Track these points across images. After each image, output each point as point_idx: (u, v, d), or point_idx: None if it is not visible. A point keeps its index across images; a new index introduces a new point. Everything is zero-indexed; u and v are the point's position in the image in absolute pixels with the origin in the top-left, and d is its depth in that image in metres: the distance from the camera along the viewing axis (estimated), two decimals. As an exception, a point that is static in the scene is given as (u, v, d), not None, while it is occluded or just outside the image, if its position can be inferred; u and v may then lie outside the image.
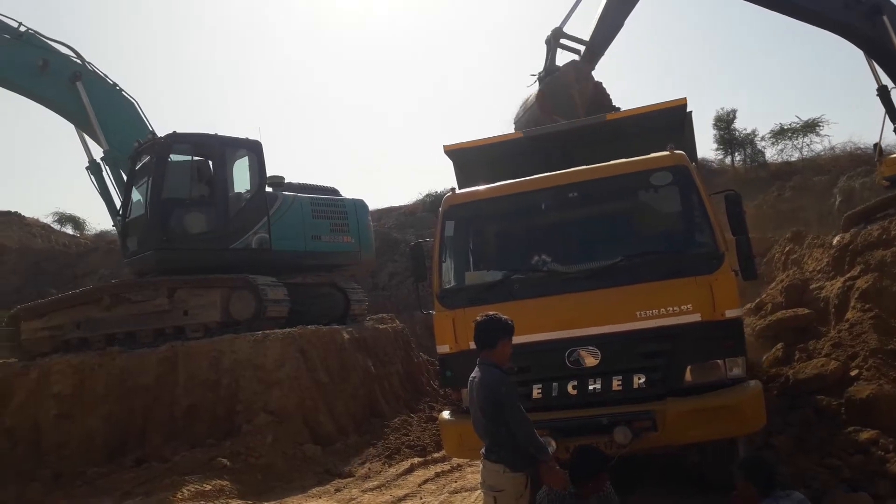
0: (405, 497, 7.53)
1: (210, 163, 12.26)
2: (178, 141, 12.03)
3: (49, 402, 10.08)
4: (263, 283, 11.11)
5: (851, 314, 8.91)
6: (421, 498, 7.41)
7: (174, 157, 11.95)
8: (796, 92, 69.56)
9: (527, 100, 10.10)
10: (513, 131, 9.22)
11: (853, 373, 7.71)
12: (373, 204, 14.35)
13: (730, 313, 5.50)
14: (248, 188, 12.50)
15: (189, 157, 12.14)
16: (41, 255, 26.89)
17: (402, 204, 32.93)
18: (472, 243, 6.93)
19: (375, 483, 8.22)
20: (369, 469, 8.89)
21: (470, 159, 8.04)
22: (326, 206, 13.56)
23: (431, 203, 29.09)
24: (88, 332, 11.65)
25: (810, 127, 29.54)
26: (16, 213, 31.05)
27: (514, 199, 6.40)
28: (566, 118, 8.58)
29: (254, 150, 12.55)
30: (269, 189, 12.76)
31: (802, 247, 12.89)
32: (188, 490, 7.73)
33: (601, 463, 4.60)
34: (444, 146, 7.96)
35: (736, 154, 32.03)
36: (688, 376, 5.46)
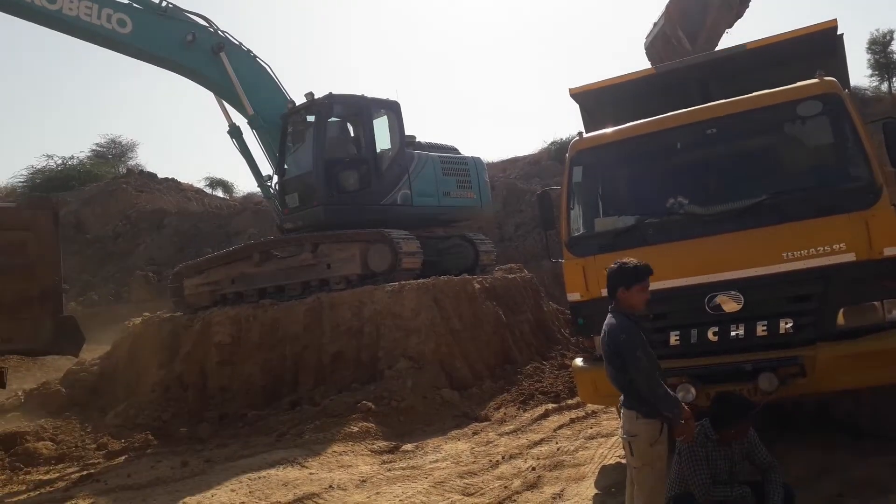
0: (541, 441, 7.68)
1: (357, 124, 13.00)
2: (336, 102, 12.79)
3: (211, 350, 11.16)
4: (398, 237, 11.55)
5: None
6: (557, 443, 7.53)
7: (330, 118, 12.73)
8: (974, -1, 60.69)
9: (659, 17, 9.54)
10: (645, 60, 8.79)
11: None
12: (497, 155, 14.56)
13: (889, 251, 5.08)
14: (390, 147, 13.14)
15: (341, 118, 13.00)
16: (197, 217, 29.31)
17: (526, 154, 32.63)
18: (602, 189, 6.79)
19: (511, 427, 8.44)
20: (504, 413, 9.13)
21: (597, 101, 7.80)
22: (452, 163, 14.09)
23: (557, 151, 28.57)
24: (243, 287, 12.71)
25: None
26: (173, 179, 33.97)
27: (647, 140, 6.18)
28: (692, 29, 8.02)
29: (393, 110, 13.13)
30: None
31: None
32: (336, 431, 8.33)
33: (743, 410, 4.48)
34: (569, 89, 7.77)
35: (893, 79, 28.80)
36: (840, 319, 5.15)
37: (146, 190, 31.56)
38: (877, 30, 34.18)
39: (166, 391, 11.05)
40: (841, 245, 5.15)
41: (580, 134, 6.70)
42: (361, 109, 12.92)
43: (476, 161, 14.78)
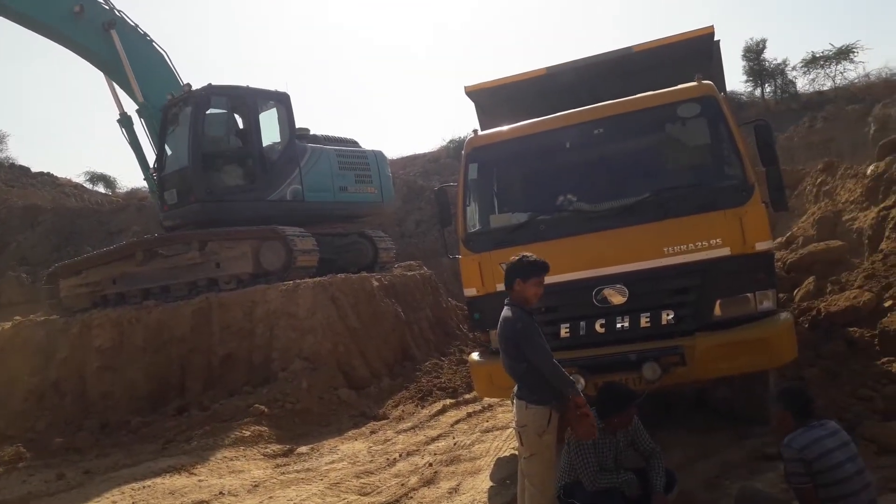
0: (438, 437, 7.70)
1: (242, 116, 12.36)
2: (214, 93, 12.13)
3: (91, 355, 10.44)
4: (292, 234, 11.23)
5: (886, 244, 8.73)
6: (454, 438, 7.57)
7: (210, 110, 12.06)
8: (829, 19, 66.65)
9: None
10: (543, 57, 8.94)
11: (887, 303, 7.58)
12: (396, 152, 14.42)
13: (760, 246, 5.43)
14: (280, 140, 12.64)
15: (223, 110, 12.33)
16: (75, 213, 27.38)
17: (426, 151, 32.80)
18: (497, 185, 6.90)
19: (409, 424, 8.41)
20: (403, 411, 9.10)
21: (492, 99, 7.91)
22: (351, 157, 13.61)
23: (455, 149, 28.89)
24: (125, 288, 11.98)
25: (844, 54, 28.53)
26: (48, 173, 31.59)
27: (539, 138, 6.31)
28: None
29: (282, 101, 12.60)
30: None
31: (835, 178, 12.55)
32: (226, 436, 8.01)
33: (627, 399, 4.64)
34: (464, 87, 7.84)
35: (766, 85, 31.11)
36: (717, 311, 5.45)
37: (17, 185, 29.21)
38: (751, 38, 36.82)
39: (40, 399, 10.27)
40: (717, 240, 5.44)
41: (475, 131, 6.75)
42: (245, 101, 12.27)
43: (377, 155, 14.34)
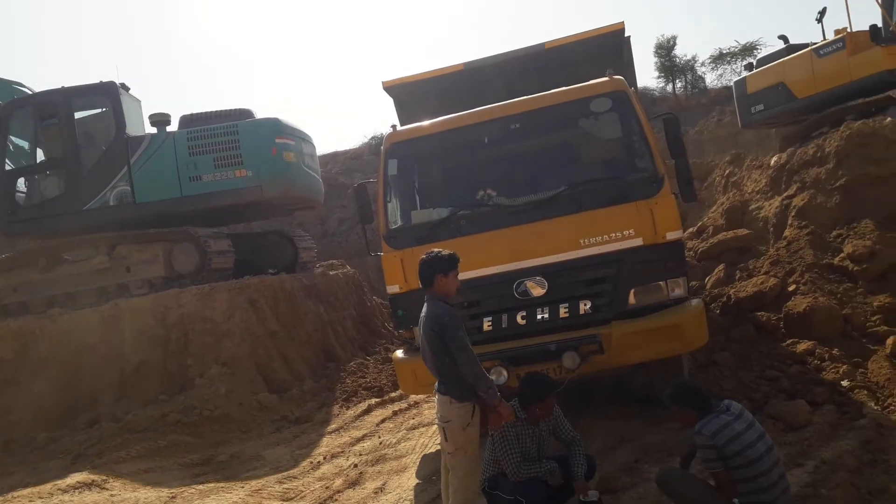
0: (363, 437, 7.61)
1: (54, 121, 11.10)
2: (17, 106, 11.19)
3: (-10, 369, 9.76)
4: (206, 235, 10.81)
5: (789, 232, 9.19)
6: (379, 437, 7.50)
7: (16, 123, 11.12)
8: (734, 17, 70.03)
9: None
10: (454, 54, 9.00)
11: (791, 288, 7.99)
12: (318, 149, 13.39)
13: (671, 235, 5.61)
14: (108, 138, 11.10)
15: (29, 121, 11.16)
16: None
17: (348, 148, 32.42)
18: (417, 181, 6.87)
19: (334, 426, 8.28)
20: (327, 413, 8.93)
21: (410, 95, 7.88)
22: (209, 137, 10.84)
23: (377, 145, 28.66)
24: (27, 296, 11.23)
25: (748, 50, 29.89)
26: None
27: (457, 134, 6.31)
28: None
29: (108, 93, 11.02)
30: (150, 131, 11.24)
31: (742, 169, 13.16)
32: (141, 448, 7.66)
33: (547, 388, 4.69)
34: (382, 82, 7.78)
35: (677, 81, 32.31)
36: (632, 299, 5.60)
37: None
38: (662, 35, 38.14)
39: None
40: (630, 231, 5.59)
41: (394, 127, 6.69)
42: (58, 105, 10.95)
43: (260, 126, 11.12)
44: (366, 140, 32.19)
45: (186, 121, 11.34)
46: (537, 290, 5.68)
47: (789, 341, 7.29)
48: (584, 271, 5.66)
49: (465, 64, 7.56)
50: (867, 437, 5.21)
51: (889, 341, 6.66)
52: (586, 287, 5.67)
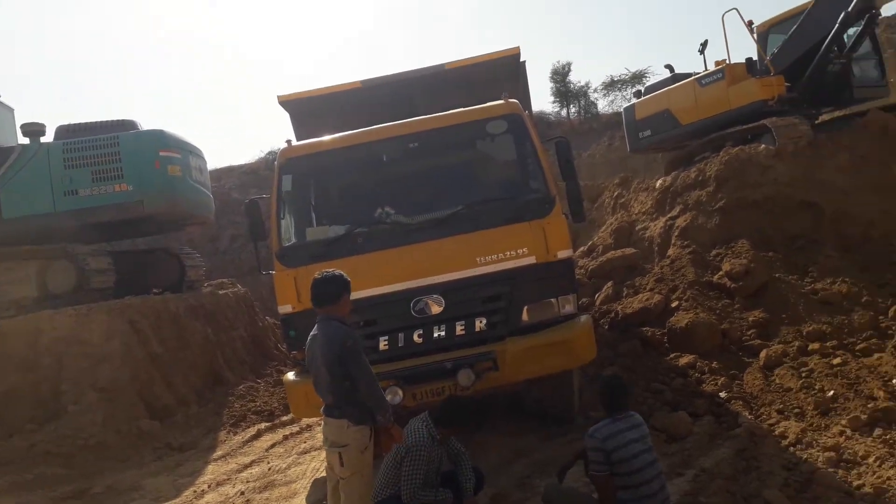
0: (252, 464, 7.30)
1: None
2: None
3: None
4: (84, 253, 10.10)
5: (672, 251, 9.69)
6: (268, 462, 7.22)
7: None
8: (624, 45, 74.02)
9: None
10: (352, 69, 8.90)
11: (674, 304, 8.41)
12: (210, 164, 12.64)
13: (561, 254, 5.76)
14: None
15: None
16: None
17: (243, 163, 31.45)
18: (313, 198, 6.74)
19: (220, 453, 7.89)
20: (213, 439, 8.49)
21: (307, 110, 7.75)
22: (87, 148, 10.18)
23: (274, 160, 27.90)
24: None
25: (637, 78, 31.46)
26: None
27: (354, 151, 6.25)
28: None
29: None
30: (23, 141, 10.41)
31: (629, 191, 13.77)
32: (4, 482, 7.00)
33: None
34: (277, 97, 7.61)
35: (571, 106, 33.55)
36: (525, 316, 5.69)
37: None
38: (557, 61, 39.57)
39: None
40: (524, 249, 5.70)
41: (289, 142, 6.53)
42: None
43: (143, 137, 10.48)
44: (262, 155, 31.36)
45: (63, 131, 10.53)
46: (435, 308, 5.67)
47: (673, 355, 7.65)
48: (480, 289, 5.71)
49: (362, 81, 7.52)
50: (742, 445, 5.52)
51: (762, 354, 7.13)
52: (482, 304, 5.72)
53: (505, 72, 7.55)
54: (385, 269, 5.68)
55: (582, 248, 12.49)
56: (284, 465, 6.98)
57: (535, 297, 5.71)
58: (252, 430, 8.57)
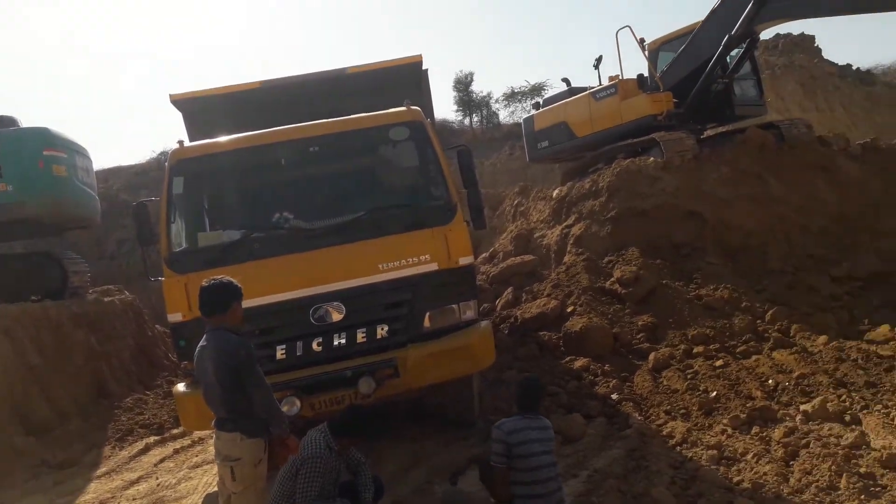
0: (139, 480, 6.91)
1: None
2: None
3: None
4: (-51, 256, 9.25)
5: (568, 258, 10.02)
6: (157, 478, 6.85)
7: None
8: (525, 58, 76.10)
9: None
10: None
11: (569, 309, 8.68)
12: (99, 163, 11.83)
13: (463, 261, 5.81)
14: None
15: None
16: None
17: (133, 163, 29.92)
18: (206, 201, 6.48)
19: (104, 469, 7.42)
20: (97, 455, 7.96)
21: (201, 110, 7.45)
22: None
23: (166, 161, 26.72)
24: None
25: (537, 90, 32.47)
26: None
27: (251, 153, 6.05)
28: None
29: None
30: None
31: (528, 200, 14.13)
32: None
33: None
34: (170, 95, 7.27)
35: (474, 115, 34.13)
36: (427, 322, 5.69)
37: None
38: (461, 71, 40.15)
39: None
40: (426, 256, 5.71)
41: (181, 143, 6.26)
42: None
43: (23, 135, 9.94)
44: (154, 155, 29.96)
45: None
46: (335, 316, 5.57)
47: (568, 359, 7.89)
48: (381, 296, 5.66)
49: (262, 82, 7.33)
50: (632, 445, 5.75)
51: (651, 357, 7.48)
52: (384, 311, 5.68)
53: (407, 79, 7.56)
54: (283, 275, 5.53)
55: (483, 255, 12.70)
56: (174, 481, 6.65)
57: (436, 303, 5.73)
58: (140, 445, 8.12)
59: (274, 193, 6.33)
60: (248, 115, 7.18)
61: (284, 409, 5.06)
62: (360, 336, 5.60)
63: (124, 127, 79.48)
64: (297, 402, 5.20)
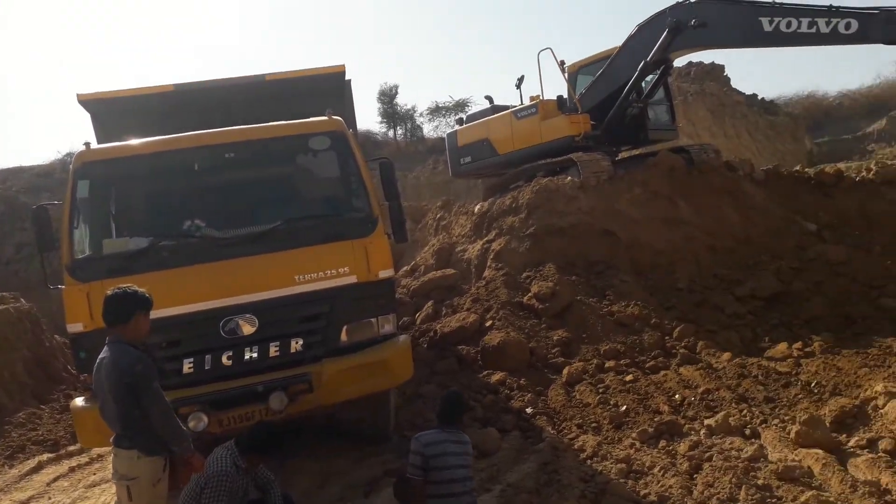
0: (29, 500, 6.47)
1: None
2: None
3: None
4: None
5: (488, 272, 10.12)
6: (49, 497, 6.46)
7: None
8: (450, 73, 76.98)
9: None
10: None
11: (488, 323, 8.76)
12: None
13: (383, 274, 5.77)
14: None
15: None
16: None
17: (35, 164, 28.30)
18: (113, 206, 6.18)
19: (-8, 489, 6.93)
20: (-17, 474, 7.45)
21: (112, 111, 7.14)
22: None
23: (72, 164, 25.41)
24: None
25: (461, 106, 32.86)
26: None
27: (163, 158, 5.82)
28: None
29: None
30: None
31: (451, 214, 14.21)
32: None
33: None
34: (77, 95, 6.93)
35: (398, 128, 34.18)
36: (344, 336, 5.61)
37: None
38: (385, 83, 40.18)
39: None
40: (345, 268, 5.63)
41: (87, 144, 5.96)
42: None
43: None
44: (59, 156, 28.45)
45: None
46: (247, 329, 5.40)
47: (485, 373, 7.94)
48: (297, 308, 5.54)
49: (175, 85, 7.08)
50: (545, 459, 5.83)
51: (565, 371, 7.63)
52: (299, 324, 5.56)
53: (330, 88, 7.48)
54: (193, 285, 5.33)
55: (405, 268, 12.66)
56: (69, 501, 6.27)
57: (354, 316, 5.66)
58: (32, 462, 7.64)
59: (186, 200, 6.09)
60: (159, 118, 6.92)
61: (191, 424, 4.89)
62: (273, 350, 5.46)
63: (27, 125, 75.13)
64: (205, 418, 5.01)
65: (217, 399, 5.15)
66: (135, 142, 5.90)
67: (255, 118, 6.26)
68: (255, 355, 5.41)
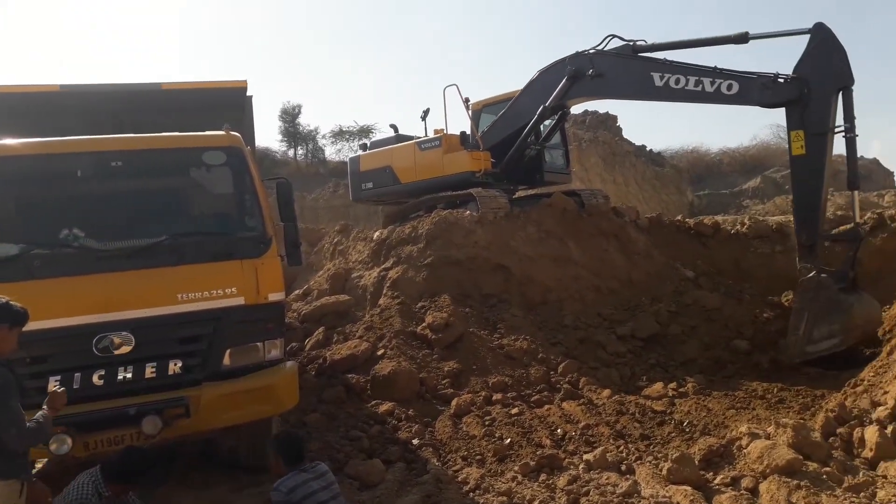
0: None
1: None
2: None
3: None
4: None
5: (383, 301, 10.09)
6: None
7: None
8: (355, 98, 77.07)
9: None
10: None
11: (380, 352, 8.69)
12: None
13: (273, 297, 5.63)
14: None
15: None
16: None
17: None
18: (-19, 210, 5.70)
19: None
20: None
21: None
22: None
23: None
24: None
25: (365, 132, 32.93)
26: None
27: (41, 161, 5.48)
28: None
29: None
30: None
31: (349, 239, 14.10)
32: None
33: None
34: (-52, 87, 6.40)
35: (299, 148, 33.78)
36: (227, 360, 5.41)
37: None
38: (288, 102, 39.65)
39: None
40: (233, 289, 5.45)
41: (-44, 141, 5.50)
42: None
43: None
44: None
45: None
46: (122, 347, 5.12)
47: (374, 402, 7.85)
48: (178, 328, 5.31)
49: (61, 86, 6.68)
50: (428, 491, 5.80)
51: (453, 403, 7.67)
52: (179, 345, 5.32)
53: (229, 103, 7.29)
54: (65, 298, 5.01)
55: (297, 292, 12.41)
56: None
57: (239, 340, 5.47)
58: None
59: (65, 208, 5.70)
60: (42, 119, 6.53)
61: (52, 447, 4.55)
62: (150, 371, 5.19)
63: None
64: (69, 441, 4.66)
65: (84, 420, 4.82)
66: (10, 141, 5.51)
67: (147, 127, 6.02)
68: (129, 375, 5.12)
